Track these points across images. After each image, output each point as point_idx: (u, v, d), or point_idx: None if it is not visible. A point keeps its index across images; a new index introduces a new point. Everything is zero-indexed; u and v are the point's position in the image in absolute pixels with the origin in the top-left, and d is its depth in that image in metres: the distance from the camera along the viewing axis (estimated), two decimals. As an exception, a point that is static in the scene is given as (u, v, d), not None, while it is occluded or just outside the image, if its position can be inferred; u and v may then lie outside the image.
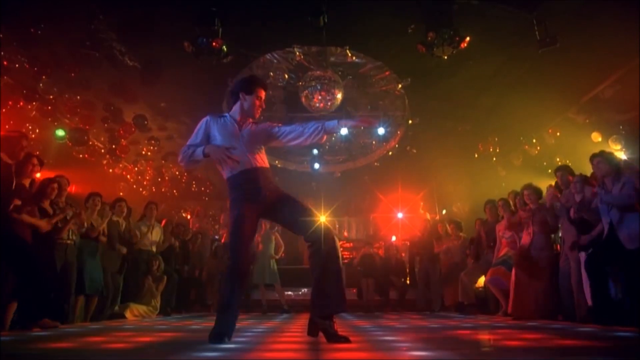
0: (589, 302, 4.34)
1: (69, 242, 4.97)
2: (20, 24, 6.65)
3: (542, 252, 5.29)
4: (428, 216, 9.93)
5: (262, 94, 3.18)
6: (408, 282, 9.07)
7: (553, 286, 5.08)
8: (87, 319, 5.40)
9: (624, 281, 4.13)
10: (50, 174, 5.56)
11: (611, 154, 4.48)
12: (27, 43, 7.09)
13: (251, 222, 3.00)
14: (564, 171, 5.18)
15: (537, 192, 5.58)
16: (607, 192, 4.17)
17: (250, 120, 3.19)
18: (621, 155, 7.99)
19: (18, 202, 4.08)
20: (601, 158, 4.33)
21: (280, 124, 3.23)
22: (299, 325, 4.62)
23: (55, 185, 4.72)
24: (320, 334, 2.88)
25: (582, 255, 4.54)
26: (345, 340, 2.75)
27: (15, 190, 4.09)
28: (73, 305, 5.12)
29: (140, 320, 5.94)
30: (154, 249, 6.91)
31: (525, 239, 5.45)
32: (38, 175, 4.83)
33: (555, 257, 5.31)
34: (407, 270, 9.23)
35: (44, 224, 4.40)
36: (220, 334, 2.78)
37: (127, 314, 6.05)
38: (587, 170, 5.13)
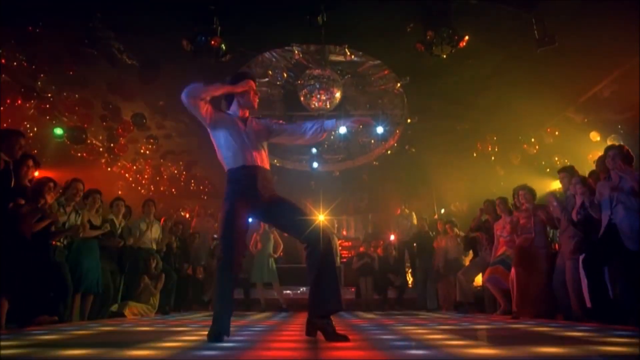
0: (587, 300, 4.34)
1: (58, 244, 4.96)
2: (18, 21, 6.64)
3: (541, 250, 5.30)
4: (414, 215, 9.94)
5: (252, 84, 3.21)
6: (411, 280, 9.09)
7: (551, 285, 5.09)
8: (84, 318, 5.39)
9: (624, 280, 4.13)
10: (49, 173, 5.55)
11: (628, 150, 4.42)
12: (25, 41, 7.07)
13: (243, 215, 3.02)
14: (566, 173, 5.17)
15: (532, 192, 5.61)
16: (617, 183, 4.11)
17: (249, 115, 3.22)
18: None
19: (22, 201, 4.06)
20: (618, 151, 4.29)
21: (281, 121, 3.26)
22: (298, 324, 4.62)
23: (51, 184, 4.71)
24: (319, 333, 2.88)
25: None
26: (344, 338, 2.75)
27: (15, 189, 4.08)
28: (70, 304, 5.11)
29: (139, 318, 5.93)
30: (154, 246, 6.90)
31: (523, 238, 5.46)
32: (36, 174, 4.81)
33: (553, 255, 5.32)
34: (410, 269, 9.26)
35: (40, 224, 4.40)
36: (219, 332, 2.78)
37: (126, 313, 6.05)
38: (586, 169, 5.15)
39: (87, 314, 5.47)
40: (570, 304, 4.70)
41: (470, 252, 7.31)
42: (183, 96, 2.98)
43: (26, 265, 4.04)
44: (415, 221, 9.53)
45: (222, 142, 3.10)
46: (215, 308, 2.95)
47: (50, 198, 4.44)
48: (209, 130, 3.17)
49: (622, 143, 8.16)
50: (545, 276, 5.16)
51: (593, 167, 5.10)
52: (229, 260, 2.90)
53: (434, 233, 8.41)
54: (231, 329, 2.91)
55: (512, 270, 5.44)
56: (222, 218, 2.99)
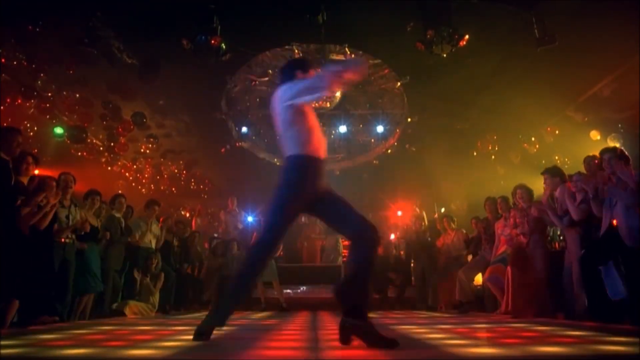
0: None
1: (67, 240, 4.96)
2: (18, 21, 6.64)
3: (537, 250, 5.30)
4: (424, 214, 9.93)
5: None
6: (413, 279, 9.08)
7: (549, 283, 5.09)
8: (85, 317, 5.40)
9: (624, 278, 4.12)
10: (49, 172, 5.55)
11: (622, 150, 4.43)
12: (24, 40, 7.08)
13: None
14: (549, 174, 5.15)
15: (529, 191, 5.60)
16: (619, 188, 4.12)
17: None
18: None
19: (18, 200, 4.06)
20: (613, 154, 4.30)
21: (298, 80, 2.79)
22: (298, 323, 4.63)
23: (54, 182, 4.72)
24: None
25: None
26: (392, 344, 2.35)
27: (14, 187, 4.07)
28: (70, 303, 5.11)
29: (140, 317, 5.94)
30: (154, 245, 6.90)
31: (520, 237, 5.47)
32: (36, 172, 4.82)
33: (550, 254, 5.32)
34: (411, 268, 9.26)
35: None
36: (202, 332, 2.62)
37: (127, 311, 6.06)
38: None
39: (88, 313, 5.48)
40: (573, 303, 4.70)
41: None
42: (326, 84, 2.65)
43: (28, 265, 4.04)
44: (426, 221, 9.46)
45: None
46: (223, 302, 2.79)
47: (53, 198, 4.44)
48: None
49: (622, 142, 8.19)
50: (542, 275, 5.16)
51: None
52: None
53: (429, 233, 8.39)
54: (232, 328, 2.91)
55: (508, 268, 5.44)
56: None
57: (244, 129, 10.85)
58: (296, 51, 8.87)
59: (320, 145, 2.68)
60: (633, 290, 3.93)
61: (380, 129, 10.86)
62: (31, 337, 3.10)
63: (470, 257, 7.25)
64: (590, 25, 6.56)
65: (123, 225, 6.29)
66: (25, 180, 4.32)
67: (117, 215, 6.21)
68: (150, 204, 7.10)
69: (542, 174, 5.28)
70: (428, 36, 6.61)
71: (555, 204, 4.99)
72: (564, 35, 6.57)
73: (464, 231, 7.52)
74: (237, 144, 11.02)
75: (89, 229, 5.23)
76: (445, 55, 6.81)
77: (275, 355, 2.36)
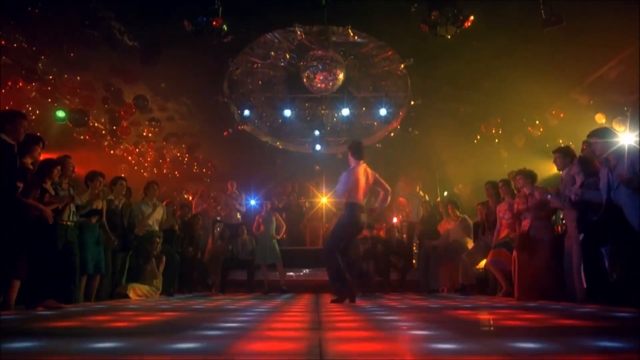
0: (584, 283, 4.36)
1: (69, 223, 4.97)
2: (17, 2, 6.57)
3: (542, 234, 5.29)
4: (427, 198, 9.92)
5: None
6: (414, 262, 9.13)
7: (553, 267, 5.09)
8: (90, 299, 5.45)
9: (626, 261, 4.12)
10: (51, 156, 5.54)
11: (609, 130, 4.40)
12: (25, 22, 7.01)
13: None
14: (560, 153, 5.11)
15: (531, 175, 5.54)
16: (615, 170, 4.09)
17: None
18: (625, 136, 7.94)
19: (20, 184, 4.06)
20: (597, 137, 4.28)
21: None
22: (300, 305, 4.66)
23: (59, 167, 4.72)
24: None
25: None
26: None
27: (19, 171, 4.07)
28: (77, 285, 5.15)
29: (144, 300, 6.00)
30: (157, 227, 6.92)
31: (525, 222, 5.45)
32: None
33: (555, 239, 5.31)
34: (414, 251, 9.31)
35: (48, 212, 4.39)
36: None
37: (130, 294, 6.11)
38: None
39: (93, 294, 5.52)
40: (573, 286, 4.71)
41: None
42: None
43: (34, 248, 4.07)
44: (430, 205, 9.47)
45: None
46: None
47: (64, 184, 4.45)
48: None
49: (628, 125, 8.10)
50: (547, 259, 5.16)
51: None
52: None
53: (439, 217, 8.40)
54: (234, 311, 2.93)
55: (514, 253, 5.44)
56: None
57: (246, 112, 10.79)
58: (299, 33, 8.77)
59: None
60: (635, 273, 3.93)
61: (383, 112, 10.78)
62: (36, 318, 3.13)
63: (470, 243, 7.26)
64: (597, 7, 6.44)
65: (120, 207, 6.27)
66: (29, 161, 4.31)
67: (113, 198, 6.18)
68: (149, 185, 7.09)
69: (554, 152, 5.22)
70: (432, 17, 6.51)
71: (561, 184, 4.97)
72: (571, 17, 6.46)
73: (469, 221, 7.48)
74: (240, 127, 10.98)
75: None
76: (449, 37, 6.71)
77: (278, 336, 2.38)
